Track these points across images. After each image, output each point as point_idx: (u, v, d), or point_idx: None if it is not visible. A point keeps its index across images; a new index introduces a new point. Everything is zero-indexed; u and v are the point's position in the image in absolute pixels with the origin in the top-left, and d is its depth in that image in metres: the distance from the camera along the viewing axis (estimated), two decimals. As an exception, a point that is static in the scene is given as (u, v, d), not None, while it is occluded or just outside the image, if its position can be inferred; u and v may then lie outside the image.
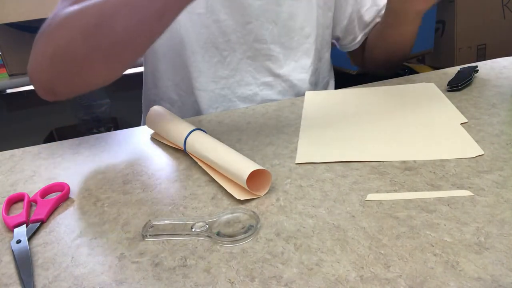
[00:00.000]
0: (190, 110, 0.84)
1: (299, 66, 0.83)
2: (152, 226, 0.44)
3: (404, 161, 0.52)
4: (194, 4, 0.75)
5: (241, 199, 0.47)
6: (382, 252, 0.38)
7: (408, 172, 0.49)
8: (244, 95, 0.82)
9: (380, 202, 0.44)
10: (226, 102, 0.82)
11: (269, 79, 0.83)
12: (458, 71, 0.75)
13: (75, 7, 0.54)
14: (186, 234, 0.43)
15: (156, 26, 0.54)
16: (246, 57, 0.81)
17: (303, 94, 0.83)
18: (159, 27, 0.54)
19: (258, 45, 0.80)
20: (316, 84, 0.89)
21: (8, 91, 2.04)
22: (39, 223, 0.48)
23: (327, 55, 0.91)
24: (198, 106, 0.82)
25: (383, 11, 0.83)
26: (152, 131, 0.68)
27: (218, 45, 0.79)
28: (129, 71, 0.86)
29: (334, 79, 0.96)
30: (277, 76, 0.83)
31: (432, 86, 0.73)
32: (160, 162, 0.59)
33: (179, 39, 0.79)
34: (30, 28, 1.66)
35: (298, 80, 0.83)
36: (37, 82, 0.58)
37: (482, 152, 0.51)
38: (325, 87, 0.94)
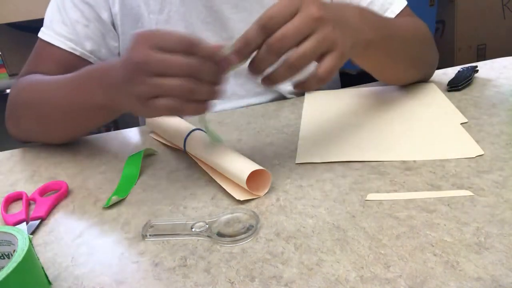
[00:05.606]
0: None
1: None
2: (152, 226, 0.44)
3: (404, 161, 0.51)
4: (173, 26, 0.76)
5: (241, 199, 0.47)
6: (382, 252, 0.38)
7: (408, 172, 0.49)
8: (237, 108, 0.82)
9: (380, 202, 0.44)
10: None
11: (259, 89, 0.81)
12: (458, 71, 0.75)
13: (33, 90, 0.66)
14: (186, 234, 0.43)
15: (94, 116, 0.61)
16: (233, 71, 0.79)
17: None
18: (99, 117, 0.62)
19: None
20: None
21: (8, 91, 2.04)
22: (39, 220, 0.48)
23: None
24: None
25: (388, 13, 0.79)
26: (152, 131, 0.68)
27: None
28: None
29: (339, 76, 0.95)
30: None
31: (432, 86, 0.73)
32: (160, 162, 0.59)
33: None
34: (30, 28, 1.65)
35: (287, 91, 0.80)
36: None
37: (482, 152, 0.51)
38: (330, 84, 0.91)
